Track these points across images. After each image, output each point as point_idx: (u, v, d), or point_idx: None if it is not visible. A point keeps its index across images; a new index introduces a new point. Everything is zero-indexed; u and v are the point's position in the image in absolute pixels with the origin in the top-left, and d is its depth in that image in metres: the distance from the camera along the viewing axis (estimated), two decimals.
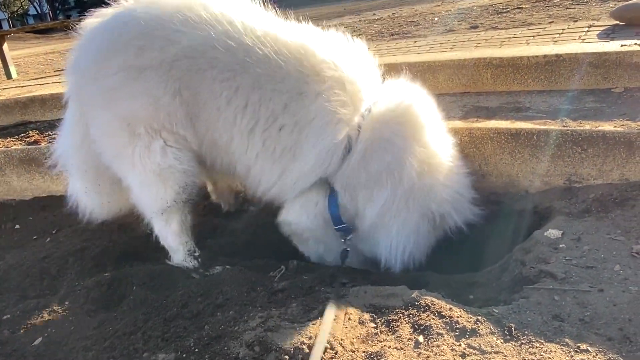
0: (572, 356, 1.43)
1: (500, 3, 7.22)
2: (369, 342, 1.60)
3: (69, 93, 2.42)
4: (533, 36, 4.43)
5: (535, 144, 2.60)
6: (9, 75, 7.43)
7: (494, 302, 1.84)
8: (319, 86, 2.13)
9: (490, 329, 1.57)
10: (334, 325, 1.66)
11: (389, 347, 1.55)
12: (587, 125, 2.59)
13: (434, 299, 1.74)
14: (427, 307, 1.70)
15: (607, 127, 2.53)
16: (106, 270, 2.40)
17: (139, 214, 2.98)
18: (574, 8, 5.72)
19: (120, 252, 2.61)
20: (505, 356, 1.45)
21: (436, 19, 7.01)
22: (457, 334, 1.57)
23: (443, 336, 1.56)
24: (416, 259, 2.27)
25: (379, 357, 1.51)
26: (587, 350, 1.44)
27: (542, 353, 1.44)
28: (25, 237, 3.10)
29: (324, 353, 1.53)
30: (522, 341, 1.50)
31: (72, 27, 2.39)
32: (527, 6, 6.51)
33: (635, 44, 3.26)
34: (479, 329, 1.57)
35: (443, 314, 1.66)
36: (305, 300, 1.87)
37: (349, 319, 1.72)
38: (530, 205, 2.54)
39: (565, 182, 2.53)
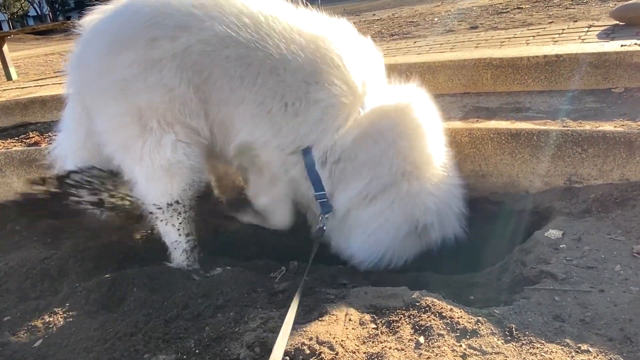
0: (572, 357, 1.43)
1: (500, 3, 7.23)
2: (370, 343, 1.60)
3: (70, 90, 2.42)
4: (533, 36, 4.43)
5: (535, 144, 2.60)
6: (9, 77, 7.44)
7: (494, 303, 1.84)
8: (327, 73, 2.14)
9: (491, 330, 1.57)
10: (334, 326, 1.66)
11: (390, 348, 1.55)
12: (588, 126, 2.59)
13: (435, 300, 1.74)
14: (427, 308, 1.70)
15: (607, 127, 2.53)
16: (107, 272, 2.40)
17: (139, 215, 2.98)
18: (574, 8, 5.72)
19: (121, 253, 2.61)
20: (506, 357, 1.45)
21: (436, 19, 7.02)
22: (457, 334, 1.57)
23: (444, 337, 1.56)
24: (392, 262, 2.27)
25: (379, 358, 1.51)
26: (587, 351, 1.44)
27: (542, 354, 1.44)
28: (25, 239, 3.10)
29: (324, 354, 1.53)
30: (523, 342, 1.50)
31: (72, 26, 2.39)
32: (527, 6, 6.51)
33: (635, 44, 3.27)
34: (479, 330, 1.57)
35: (444, 314, 1.66)
36: (305, 301, 1.87)
37: (350, 319, 1.72)
38: (531, 205, 2.54)
39: (565, 182, 2.53)
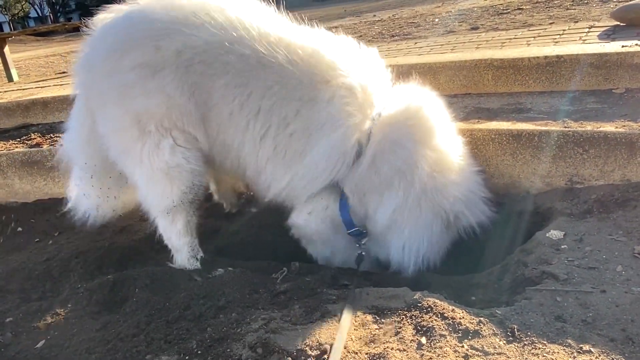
0: (574, 357, 1.43)
1: (501, 4, 7.23)
2: (372, 343, 1.60)
3: (77, 88, 2.43)
4: (534, 37, 4.43)
5: (536, 145, 2.61)
6: (10, 78, 7.45)
7: (496, 304, 1.84)
8: (330, 93, 2.15)
9: (493, 330, 1.57)
10: (336, 327, 1.67)
11: (392, 348, 1.55)
12: (589, 126, 2.59)
13: (437, 301, 1.74)
14: (429, 309, 1.70)
15: (608, 128, 2.53)
16: (108, 273, 2.41)
17: (141, 216, 2.99)
18: (575, 9, 5.72)
19: (122, 254, 2.62)
20: (508, 357, 1.45)
21: (436, 20, 7.02)
22: (459, 335, 1.57)
23: (446, 337, 1.56)
24: (430, 260, 2.25)
25: (381, 359, 1.51)
26: (589, 351, 1.44)
27: (544, 354, 1.45)
28: (27, 240, 3.10)
29: (325, 355, 1.53)
30: (525, 342, 1.51)
31: (83, 25, 2.38)
32: (527, 7, 6.51)
33: (636, 44, 3.27)
34: (481, 330, 1.57)
35: (445, 315, 1.66)
36: (307, 302, 1.87)
37: (352, 320, 1.72)
38: (532, 206, 2.54)
39: (566, 183, 2.53)
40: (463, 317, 1.64)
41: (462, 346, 1.52)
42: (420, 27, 6.57)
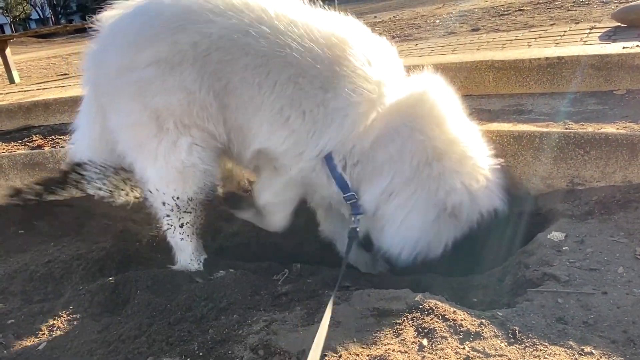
0: (576, 359, 1.43)
1: (502, 5, 7.24)
2: (373, 345, 1.60)
3: (86, 85, 2.42)
4: (535, 38, 4.44)
5: (537, 147, 2.61)
6: (11, 80, 7.46)
7: (497, 305, 1.84)
8: (345, 79, 2.12)
9: (494, 332, 1.57)
10: (337, 328, 1.67)
11: (393, 350, 1.55)
12: (590, 128, 2.59)
13: (438, 302, 1.74)
14: (430, 310, 1.70)
15: (609, 129, 2.53)
16: (110, 274, 2.41)
17: (142, 218, 2.99)
18: (576, 10, 5.72)
19: (124, 256, 2.62)
20: (510, 359, 1.45)
21: (437, 21, 7.03)
22: (461, 337, 1.57)
23: (447, 339, 1.56)
24: (424, 250, 2.21)
25: None
26: (591, 353, 1.44)
27: (546, 356, 1.45)
28: (29, 242, 3.10)
29: (328, 357, 1.53)
30: (526, 344, 1.51)
31: (89, 23, 2.36)
32: (528, 8, 6.52)
33: (637, 45, 3.27)
34: (483, 332, 1.57)
35: (447, 317, 1.66)
36: (309, 303, 1.88)
37: (353, 322, 1.72)
38: (533, 207, 2.54)
39: (568, 185, 2.53)
40: (464, 319, 1.64)
41: (464, 348, 1.52)
42: (421, 29, 6.58)
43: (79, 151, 2.58)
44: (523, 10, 6.46)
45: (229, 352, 1.63)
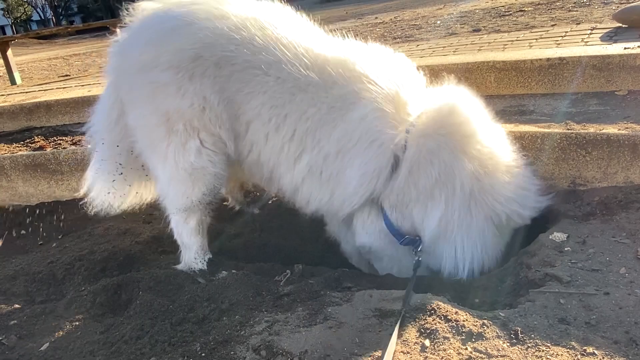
0: (578, 359, 1.43)
1: (503, 6, 7.24)
2: (375, 346, 1.60)
3: (109, 73, 2.44)
4: (536, 39, 4.44)
5: (539, 147, 2.61)
6: (13, 81, 7.48)
7: (499, 306, 1.84)
8: (362, 110, 2.11)
9: (497, 333, 1.57)
10: (339, 329, 1.67)
11: (395, 351, 1.55)
12: (591, 128, 2.59)
13: (440, 303, 1.74)
14: (432, 311, 1.70)
15: (611, 129, 2.53)
16: (112, 275, 2.41)
17: (144, 218, 3.00)
18: (577, 10, 5.72)
19: (126, 256, 2.62)
20: None
21: (438, 22, 7.03)
22: (463, 337, 1.57)
23: (449, 340, 1.56)
24: (485, 265, 2.19)
25: None
26: (593, 354, 1.44)
27: (548, 357, 1.44)
28: (31, 243, 3.12)
29: (330, 358, 1.53)
30: (529, 345, 1.51)
31: (124, 9, 2.35)
32: (529, 9, 6.52)
33: (638, 46, 3.27)
34: (485, 333, 1.57)
35: (449, 317, 1.66)
36: (310, 304, 1.88)
37: (355, 323, 1.72)
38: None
39: (569, 185, 2.53)
40: (466, 320, 1.64)
41: (466, 348, 1.52)
42: (422, 29, 6.58)
43: (96, 132, 2.60)
44: (524, 11, 6.46)
45: (231, 352, 1.63)
